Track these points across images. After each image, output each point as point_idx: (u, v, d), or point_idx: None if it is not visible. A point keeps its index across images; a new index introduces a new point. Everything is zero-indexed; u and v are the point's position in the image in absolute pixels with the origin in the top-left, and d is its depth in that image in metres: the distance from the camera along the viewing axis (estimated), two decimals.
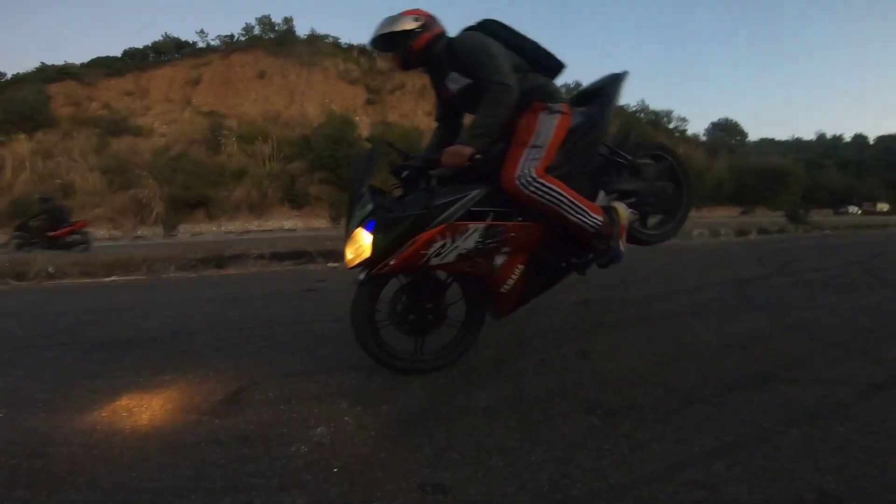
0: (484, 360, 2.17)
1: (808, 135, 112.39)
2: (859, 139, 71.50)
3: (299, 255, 6.42)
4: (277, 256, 6.36)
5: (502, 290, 2.02)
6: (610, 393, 1.80)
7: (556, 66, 2.27)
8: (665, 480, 1.22)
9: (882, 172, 55.15)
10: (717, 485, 1.19)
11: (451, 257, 1.85)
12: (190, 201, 22.07)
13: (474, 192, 1.95)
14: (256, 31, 45.03)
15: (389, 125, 32.18)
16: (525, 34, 2.21)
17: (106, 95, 38.06)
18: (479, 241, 1.88)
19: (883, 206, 45.24)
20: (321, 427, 1.56)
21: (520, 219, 2.01)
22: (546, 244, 2.09)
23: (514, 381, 1.94)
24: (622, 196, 2.35)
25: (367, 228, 1.81)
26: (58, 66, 41.55)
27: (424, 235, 1.79)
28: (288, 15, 53.61)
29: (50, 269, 5.98)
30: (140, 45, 46.44)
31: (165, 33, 47.39)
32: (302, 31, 46.73)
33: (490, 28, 2.16)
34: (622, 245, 2.15)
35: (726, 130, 58.23)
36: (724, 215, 30.84)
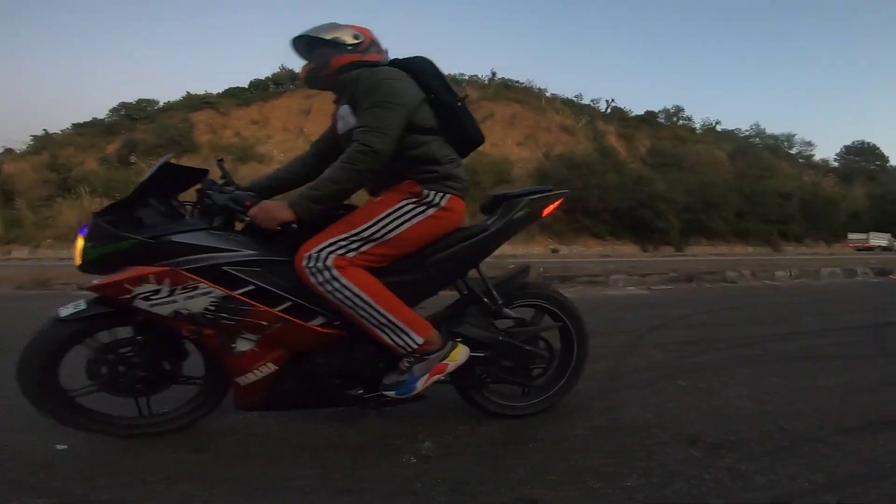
0: (581, 392, 2.10)
1: None
2: None
3: None
4: None
5: (239, 382, 1.59)
6: (712, 427, 1.76)
7: (474, 138, 1.77)
8: None
9: None
10: None
11: (164, 310, 1.47)
12: None
13: (245, 252, 1.54)
14: None
15: (479, 153, 32.90)
16: (454, 89, 1.74)
17: (237, 124, 42.30)
18: (210, 310, 1.48)
19: None
20: (428, 441, 1.65)
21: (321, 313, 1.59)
22: (331, 352, 1.63)
23: (611, 413, 1.94)
24: (469, 344, 1.73)
25: (81, 232, 1.51)
26: (199, 95, 47.53)
27: (139, 270, 1.44)
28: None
29: None
30: (262, 77, 50.63)
31: (282, 65, 52.04)
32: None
33: (420, 68, 1.70)
34: (423, 380, 1.60)
35: (862, 154, 51.36)
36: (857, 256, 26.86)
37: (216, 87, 52.14)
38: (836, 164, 49.31)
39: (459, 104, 1.71)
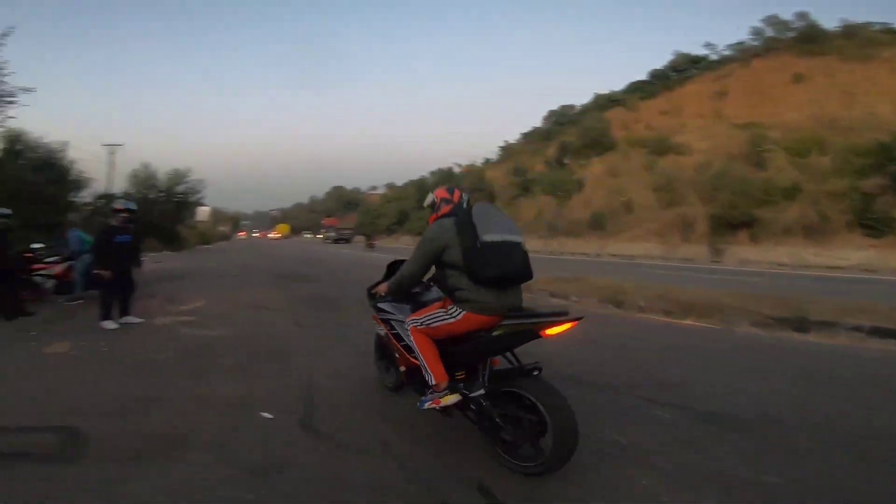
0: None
1: None
2: None
3: None
4: (879, 332, 5.14)
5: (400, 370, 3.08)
6: None
7: (487, 278, 2.37)
8: None
9: None
10: None
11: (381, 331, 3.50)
12: (733, 221, 21.78)
13: (394, 315, 3.11)
14: (769, 33, 40.93)
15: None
16: (488, 240, 2.40)
17: (646, 117, 43.06)
18: (383, 336, 3.41)
19: None
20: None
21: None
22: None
23: None
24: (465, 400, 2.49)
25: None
26: (605, 94, 50.71)
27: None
28: (801, 10, 44.01)
29: (641, 303, 6.79)
30: (659, 66, 50.09)
31: (675, 51, 49.27)
32: (827, 23, 38.51)
33: (464, 219, 2.53)
34: (428, 403, 2.51)
35: None
36: None
37: (618, 85, 54.75)
38: None
39: (479, 245, 2.40)
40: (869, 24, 38.17)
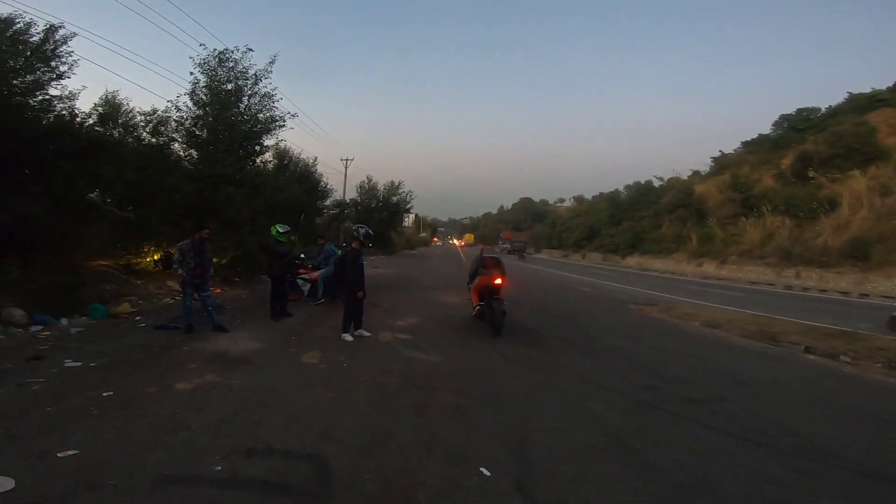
0: None
1: None
2: None
3: None
4: None
5: None
6: None
7: None
8: None
9: None
10: None
11: None
12: None
13: None
14: None
15: None
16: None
17: None
18: None
19: None
20: None
21: None
22: None
23: None
24: None
25: None
26: (866, 94, 40.15)
27: None
28: None
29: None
30: None
31: None
32: None
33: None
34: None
35: None
36: None
37: (881, 83, 42.44)
38: None
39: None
40: None
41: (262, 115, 11.83)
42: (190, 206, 10.32)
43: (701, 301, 12.32)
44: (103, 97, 11.82)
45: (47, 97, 8.64)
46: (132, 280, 9.99)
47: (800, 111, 45.41)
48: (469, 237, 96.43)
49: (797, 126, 43.02)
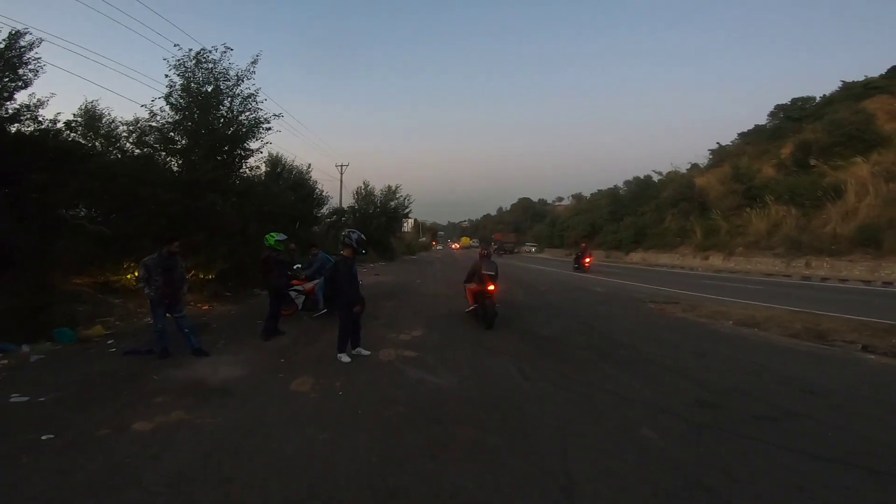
0: None
1: None
2: None
3: None
4: None
5: None
6: None
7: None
8: None
9: None
10: None
11: None
12: None
13: None
14: None
15: None
16: None
17: None
18: None
19: None
20: None
21: None
22: None
23: None
24: None
25: None
26: (859, 82, 39.95)
27: None
28: None
29: None
30: None
31: None
32: None
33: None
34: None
35: None
36: None
37: (873, 71, 42.24)
38: None
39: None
40: None
41: (244, 118, 11.07)
42: (172, 217, 9.57)
43: (721, 297, 11.55)
44: (83, 107, 11.24)
45: (16, 106, 8.01)
46: (109, 299, 9.18)
47: (795, 100, 45.15)
48: (466, 240, 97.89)
49: (793, 115, 42.75)
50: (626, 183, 52.72)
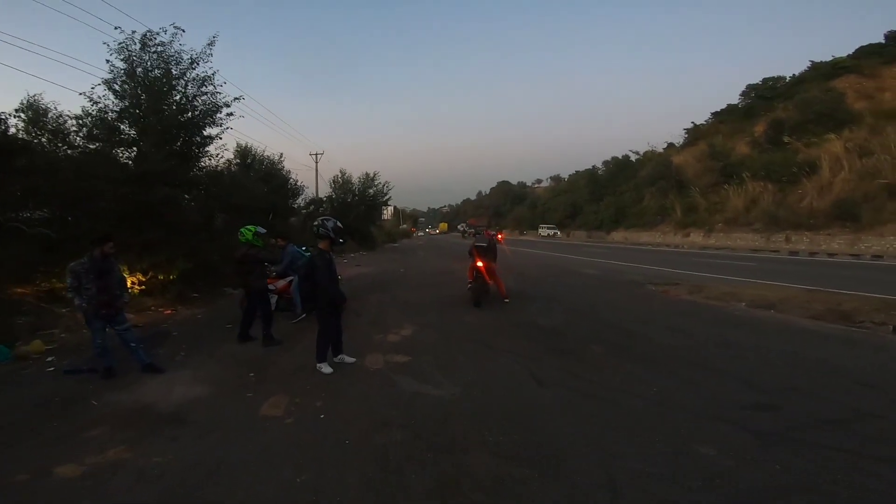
0: None
1: None
2: None
3: None
4: None
5: None
6: None
7: None
8: None
9: None
10: None
11: None
12: None
13: None
14: None
15: None
16: None
17: (895, 84, 33.41)
18: None
19: None
20: None
21: None
22: None
23: None
24: None
25: None
26: (828, 62, 40.48)
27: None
28: None
29: None
30: None
31: None
32: None
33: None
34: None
35: None
36: None
37: (841, 51, 42.96)
38: None
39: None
40: None
41: (199, 101, 10.00)
42: (124, 215, 8.53)
43: (719, 275, 11.15)
44: (25, 101, 9.99)
45: None
46: (55, 309, 8.10)
47: (766, 80, 45.64)
48: (443, 226, 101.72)
49: (765, 95, 43.27)
50: (605, 163, 52.83)
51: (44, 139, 9.43)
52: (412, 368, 4.68)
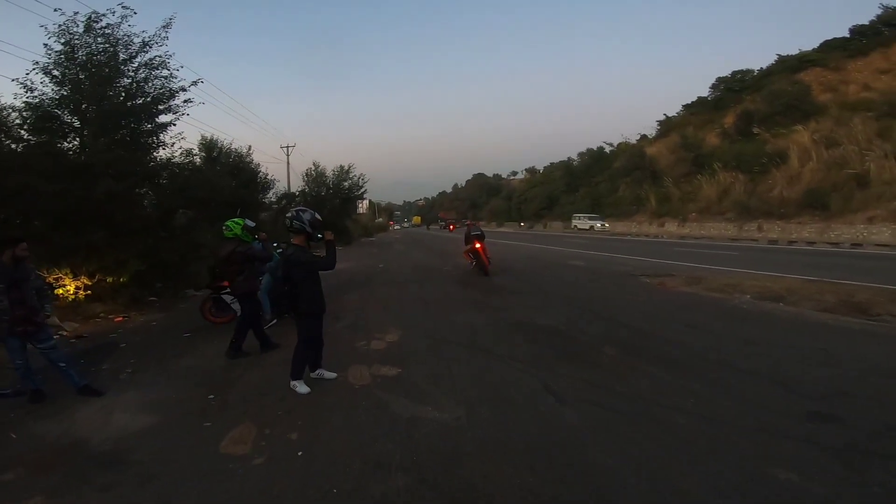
0: None
1: None
2: None
3: None
4: None
5: None
6: None
7: None
8: None
9: None
10: None
11: None
12: None
13: None
14: None
15: None
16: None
17: (859, 77, 34.47)
18: None
19: None
20: None
21: None
22: None
23: None
24: None
25: None
26: (794, 56, 41.62)
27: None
28: None
29: None
30: (864, 22, 39.03)
31: (882, 5, 38.12)
32: None
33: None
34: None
35: None
36: None
37: (807, 45, 44.35)
38: None
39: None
40: None
41: (150, 86, 9.00)
42: (64, 214, 7.48)
43: (706, 265, 10.88)
44: None
45: None
46: None
47: (735, 73, 46.57)
48: (417, 219, 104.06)
49: (734, 87, 44.18)
50: (580, 155, 53.17)
51: None
52: (404, 384, 4.00)
